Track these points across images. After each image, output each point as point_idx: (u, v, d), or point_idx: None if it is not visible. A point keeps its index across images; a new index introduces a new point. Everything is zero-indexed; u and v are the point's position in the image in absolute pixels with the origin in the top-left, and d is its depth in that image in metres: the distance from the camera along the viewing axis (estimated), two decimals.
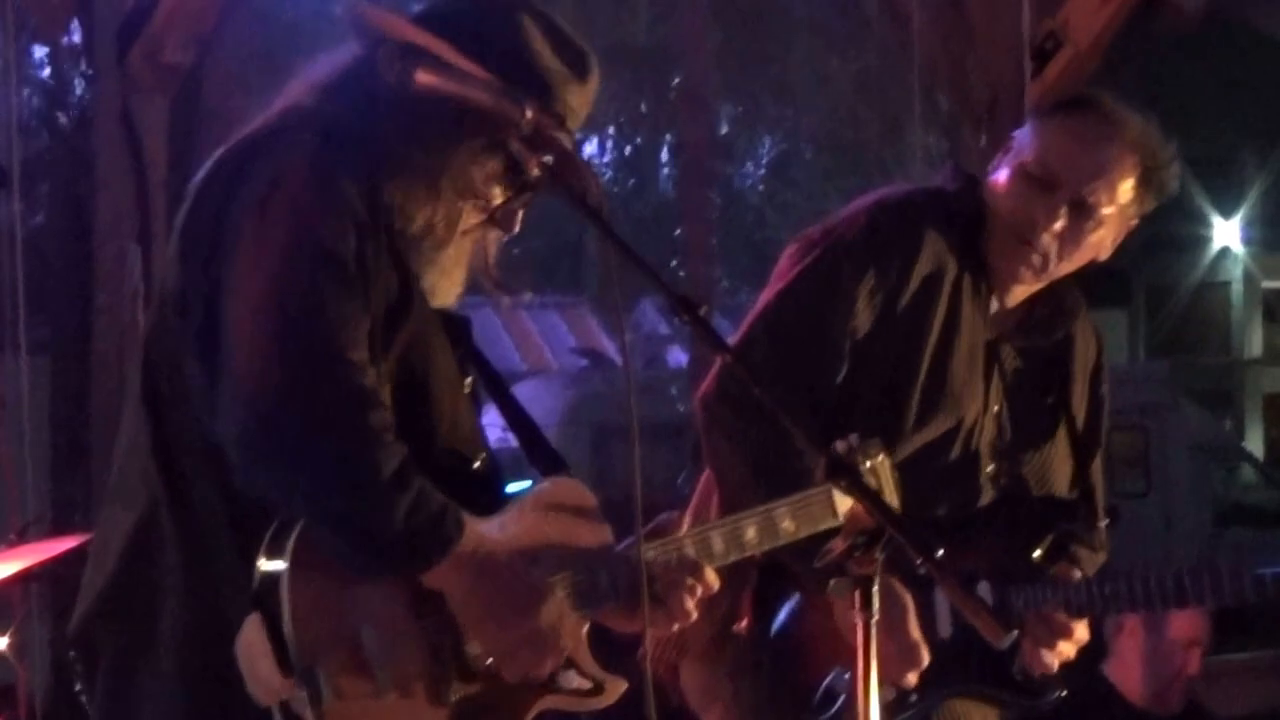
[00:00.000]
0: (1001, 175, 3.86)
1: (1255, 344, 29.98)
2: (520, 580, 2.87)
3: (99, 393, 7.42)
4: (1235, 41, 20.43)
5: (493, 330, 19.79)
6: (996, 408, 3.94)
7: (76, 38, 7.48)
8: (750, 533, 3.13)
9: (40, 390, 7.41)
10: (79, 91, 7.58)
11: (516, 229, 3.02)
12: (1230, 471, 20.40)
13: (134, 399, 2.92)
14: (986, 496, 3.93)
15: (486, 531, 2.87)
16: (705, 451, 3.83)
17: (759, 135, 25.70)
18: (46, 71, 8.33)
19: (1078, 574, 3.89)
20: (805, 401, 3.68)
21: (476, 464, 3.00)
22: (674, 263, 17.29)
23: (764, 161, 25.91)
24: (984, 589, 3.83)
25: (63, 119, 7.90)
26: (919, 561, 2.80)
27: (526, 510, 2.98)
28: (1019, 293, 3.93)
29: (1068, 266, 3.87)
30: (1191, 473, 17.92)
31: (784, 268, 3.89)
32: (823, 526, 3.16)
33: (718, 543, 3.11)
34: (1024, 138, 3.86)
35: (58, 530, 6.61)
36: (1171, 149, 3.86)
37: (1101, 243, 3.87)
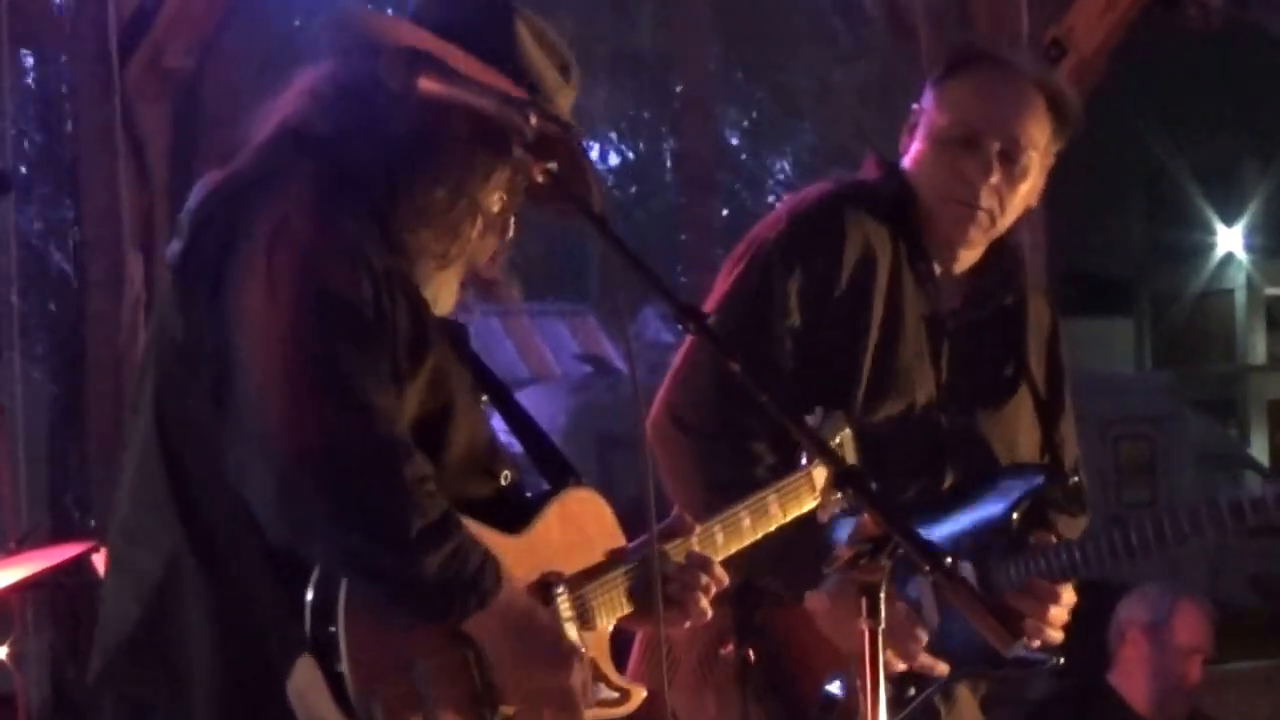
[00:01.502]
0: (919, 150, 3.89)
1: (1259, 351, 30.00)
2: (554, 638, 2.88)
3: (96, 400, 7.40)
4: (1238, 50, 20.43)
5: (495, 337, 19.77)
6: (951, 383, 3.93)
7: (76, 42, 7.45)
8: (746, 521, 3.26)
9: (38, 398, 7.39)
10: (78, 97, 7.54)
11: (510, 234, 3.01)
12: (1235, 479, 20.39)
13: (147, 444, 2.85)
14: (952, 473, 3.91)
15: (515, 560, 2.86)
16: (662, 473, 3.81)
17: (762, 143, 25.70)
18: (45, 77, 8.29)
19: (1053, 539, 3.88)
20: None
21: (501, 482, 2.98)
22: (676, 269, 17.28)
23: (768, 171, 25.90)
24: (966, 569, 3.80)
25: (61, 125, 7.86)
26: (927, 570, 2.79)
27: (549, 527, 2.99)
28: (967, 258, 3.94)
29: (1010, 218, 3.89)
30: (1197, 481, 17.91)
31: (718, 283, 3.91)
32: (805, 508, 3.33)
33: (720, 536, 3.20)
34: (929, 107, 3.88)
35: (56, 539, 6.59)
36: (1061, 74, 3.91)
37: (1034, 189, 3.89)
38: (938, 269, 3.91)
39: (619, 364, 18.17)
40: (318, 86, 2.93)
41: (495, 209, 2.95)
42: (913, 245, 3.89)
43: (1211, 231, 28.24)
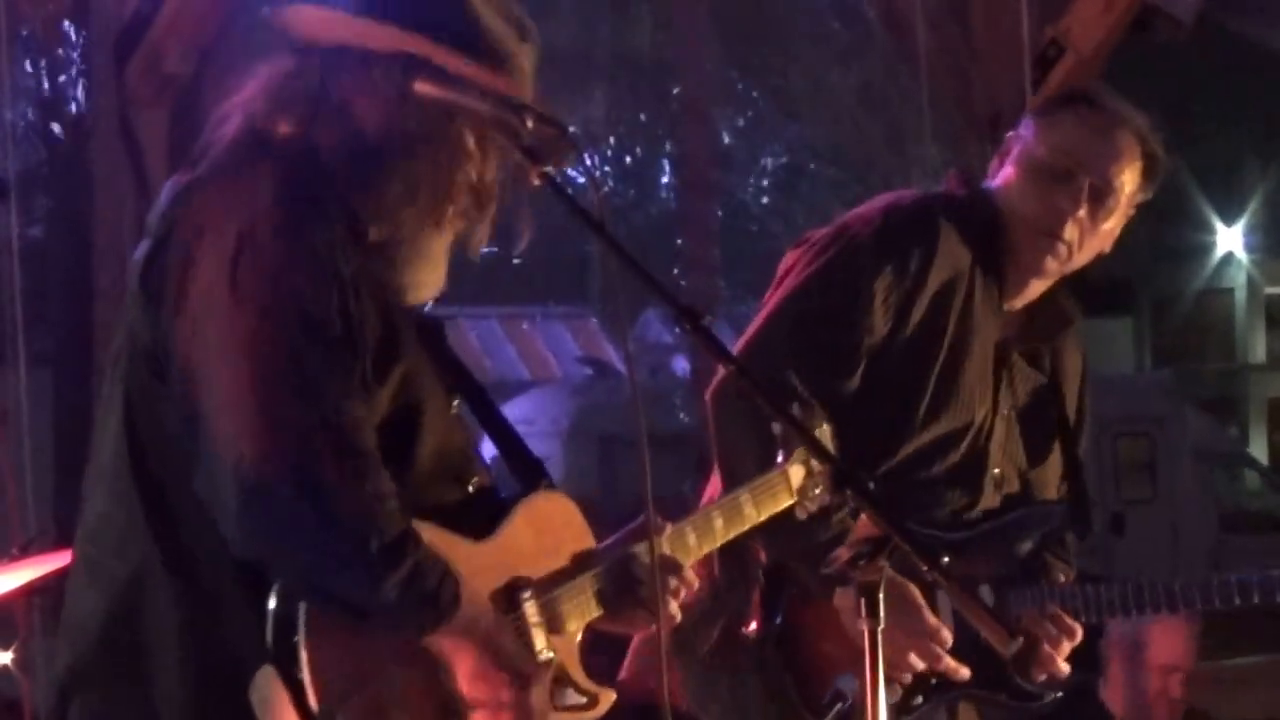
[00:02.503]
0: (1011, 175, 3.94)
1: (1259, 350, 29.96)
2: (517, 657, 2.86)
3: None
4: (1237, 48, 20.41)
5: (497, 340, 19.77)
6: (1008, 410, 3.98)
7: (74, 49, 7.45)
8: (719, 522, 3.22)
9: (42, 403, 7.37)
10: (76, 103, 7.54)
11: (495, 206, 2.95)
12: (1235, 478, 20.38)
13: (116, 450, 2.82)
14: (989, 497, 3.95)
15: (479, 569, 2.85)
16: (715, 445, 3.84)
17: (761, 146, 25.66)
18: (43, 83, 8.29)
19: (1063, 578, 3.95)
20: (820, 396, 3.70)
21: (470, 488, 2.96)
22: (675, 272, 17.26)
23: (766, 172, 25.86)
24: (985, 593, 3.85)
25: (59, 131, 7.86)
26: (925, 569, 2.80)
27: (517, 532, 2.96)
28: (1036, 289, 3.99)
29: (1084, 257, 3.95)
30: (1197, 479, 17.91)
31: (795, 266, 3.91)
32: (780, 507, 3.30)
33: (691, 538, 3.16)
34: (1029, 136, 3.94)
35: (61, 544, 6.57)
36: (1163, 139, 3.98)
37: (1111, 233, 3.96)
38: (1006, 298, 3.96)
39: (620, 366, 18.18)
40: (278, 84, 2.89)
41: (477, 178, 2.90)
42: (989, 270, 3.93)
43: (1211, 231, 28.19)
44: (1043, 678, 3.88)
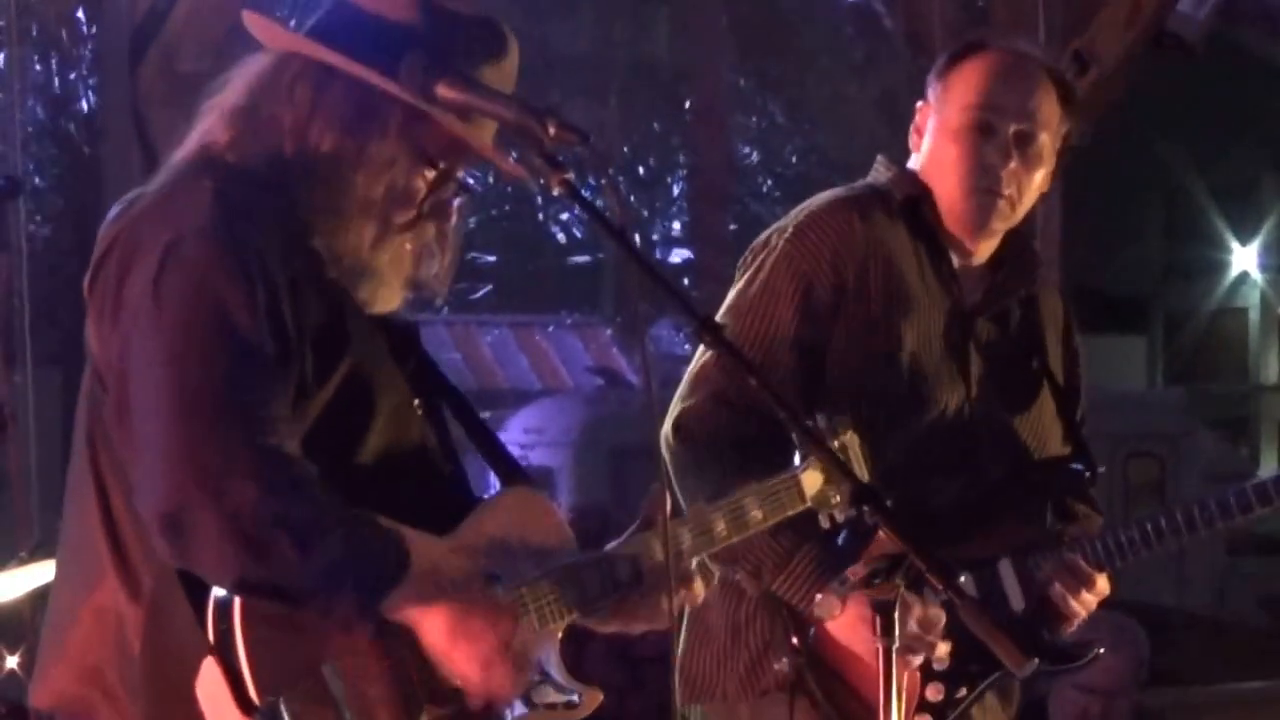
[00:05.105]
0: (932, 144, 3.90)
1: (1272, 370, 29.90)
2: (487, 599, 2.82)
3: None
4: (1254, 67, 20.38)
5: (508, 349, 19.79)
6: (981, 379, 3.92)
7: (86, 47, 7.45)
8: (720, 526, 3.12)
9: (50, 403, 7.36)
10: (87, 101, 7.54)
11: (454, 219, 2.97)
12: None
13: (80, 461, 2.86)
14: (989, 473, 3.90)
15: (439, 553, 2.82)
16: (688, 475, 3.79)
17: (775, 157, 25.66)
18: (54, 81, 8.29)
19: (1083, 531, 3.94)
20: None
21: (429, 484, 2.95)
22: (686, 283, 17.25)
23: (781, 183, 25.86)
24: (1005, 566, 3.85)
25: (70, 129, 7.86)
26: (940, 589, 2.79)
27: (482, 528, 2.93)
28: (985, 249, 3.94)
29: (1027, 204, 3.89)
30: None
31: (730, 292, 3.90)
32: (791, 512, 3.18)
33: (686, 539, 3.08)
34: (937, 101, 3.89)
35: None
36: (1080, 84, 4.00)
37: (1047, 174, 3.91)
38: (956, 263, 3.91)
39: (631, 376, 18.18)
40: (232, 98, 2.95)
41: (420, 193, 2.91)
42: (930, 242, 3.88)
43: (1227, 250, 28.15)
44: (1072, 628, 3.89)
